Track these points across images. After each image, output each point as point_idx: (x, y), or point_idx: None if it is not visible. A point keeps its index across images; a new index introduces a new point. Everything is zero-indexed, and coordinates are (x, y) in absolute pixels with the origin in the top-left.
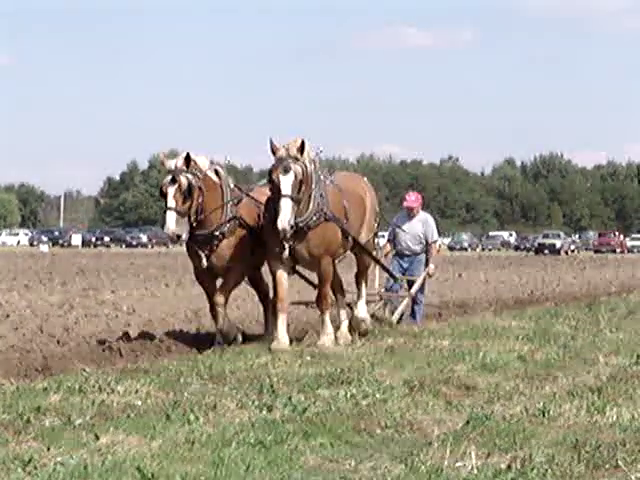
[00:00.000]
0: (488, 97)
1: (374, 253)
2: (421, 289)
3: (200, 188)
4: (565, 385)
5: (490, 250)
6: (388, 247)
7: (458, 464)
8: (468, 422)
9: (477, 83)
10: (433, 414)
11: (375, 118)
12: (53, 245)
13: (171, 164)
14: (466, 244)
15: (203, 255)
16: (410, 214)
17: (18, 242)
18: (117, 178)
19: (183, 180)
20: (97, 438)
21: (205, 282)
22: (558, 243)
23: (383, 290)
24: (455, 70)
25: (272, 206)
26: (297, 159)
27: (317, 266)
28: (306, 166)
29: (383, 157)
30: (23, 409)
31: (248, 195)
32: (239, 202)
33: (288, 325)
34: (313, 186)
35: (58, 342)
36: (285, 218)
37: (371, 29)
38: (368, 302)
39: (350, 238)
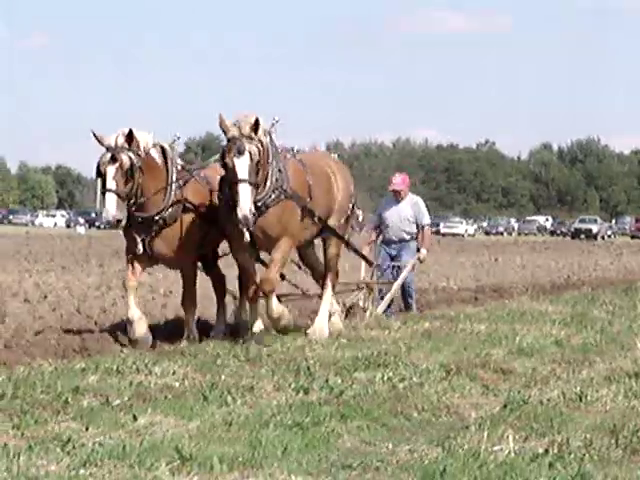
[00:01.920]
0: (525, 81)
1: (348, 238)
2: (411, 275)
3: (141, 168)
4: (602, 370)
5: (526, 235)
6: (373, 235)
7: (495, 448)
8: (505, 406)
9: (514, 67)
10: (470, 398)
11: (411, 102)
12: (90, 227)
13: (111, 141)
14: (502, 228)
15: (139, 240)
16: (397, 197)
17: (55, 224)
18: None
19: (124, 159)
20: (135, 419)
21: (134, 260)
22: (595, 228)
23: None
24: (491, 54)
25: (227, 189)
26: (251, 138)
27: (274, 247)
28: (262, 144)
29: (419, 141)
30: (61, 389)
31: (192, 175)
32: (185, 183)
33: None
34: (270, 160)
35: (95, 323)
36: (245, 206)
37: (407, 13)
38: (343, 292)
39: (317, 219)
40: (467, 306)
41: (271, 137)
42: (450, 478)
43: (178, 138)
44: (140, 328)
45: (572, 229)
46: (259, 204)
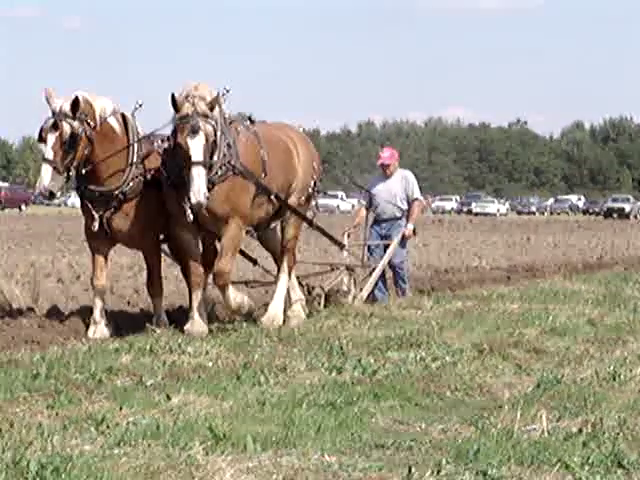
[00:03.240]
0: (557, 60)
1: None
2: (398, 254)
3: (89, 138)
4: (636, 349)
5: (559, 214)
6: (362, 213)
7: (529, 427)
8: (538, 385)
9: (546, 46)
10: (503, 377)
11: (443, 81)
12: None
13: (56, 106)
14: (534, 208)
15: (97, 216)
16: (386, 173)
17: None
18: None
19: (66, 128)
20: (168, 398)
21: (95, 245)
22: (627, 207)
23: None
24: (524, 33)
25: (173, 165)
26: (207, 116)
27: (223, 229)
28: (217, 123)
29: (451, 120)
30: (95, 369)
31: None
32: (148, 155)
33: (209, 304)
34: (218, 134)
35: (128, 303)
36: (199, 190)
37: None
38: (318, 274)
39: (273, 197)
40: (499, 286)
41: (220, 108)
42: (483, 457)
43: (140, 105)
44: (100, 332)
45: (604, 208)
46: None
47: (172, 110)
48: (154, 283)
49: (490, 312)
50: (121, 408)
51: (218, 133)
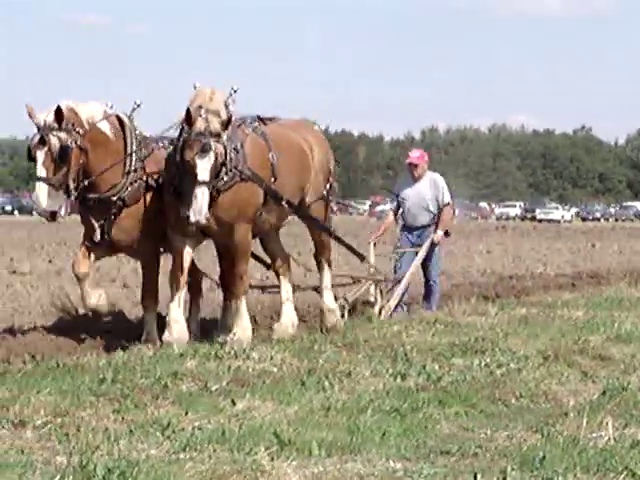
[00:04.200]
0: (622, 66)
1: (327, 224)
2: (433, 264)
3: (81, 147)
4: None
5: (623, 220)
6: (390, 218)
7: (595, 435)
8: (604, 393)
9: (611, 51)
10: (568, 384)
11: (507, 87)
12: None
13: (40, 119)
14: (598, 214)
15: (97, 226)
16: (414, 175)
17: None
18: None
19: (53, 141)
20: (234, 403)
21: (95, 251)
22: None
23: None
24: (589, 38)
25: (175, 172)
26: (219, 136)
27: (230, 237)
28: (229, 145)
29: (515, 127)
30: (161, 374)
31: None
32: (147, 157)
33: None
34: (225, 138)
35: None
36: (201, 211)
37: None
38: (338, 285)
39: (284, 203)
40: (564, 292)
41: (228, 109)
42: (549, 465)
43: (138, 106)
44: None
45: None
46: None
47: (185, 124)
48: (148, 295)
49: (555, 319)
50: (187, 413)
51: (224, 136)
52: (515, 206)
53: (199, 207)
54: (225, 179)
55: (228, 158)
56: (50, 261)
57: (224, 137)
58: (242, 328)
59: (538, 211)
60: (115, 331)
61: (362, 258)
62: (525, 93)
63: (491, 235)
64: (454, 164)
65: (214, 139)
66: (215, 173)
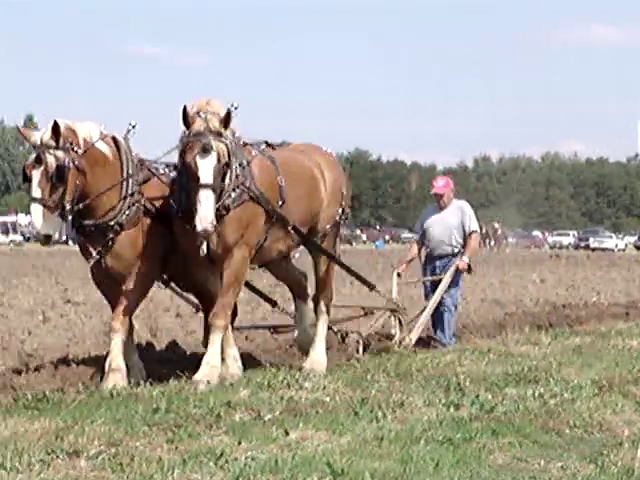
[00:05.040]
0: None
1: (336, 253)
2: (453, 294)
3: (78, 167)
4: None
5: None
6: (415, 249)
7: None
8: None
9: None
10: (623, 414)
11: (560, 116)
12: None
13: (36, 138)
14: None
15: (94, 252)
16: (440, 204)
17: None
18: None
19: (50, 160)
20: (287, 433)
21: (104, 287)
22: None
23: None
24: None
25: (182, 192)
26: (220, 135)
27: (226, 260)
28: (231, 143)
29: (568, 155)
30: (214, 404)
31: (152, 172)
32: (146, 181)
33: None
34: (231, 153)
35: (246, 338)
36: (207, 216)
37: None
38: (351, 319)
39: (291, 229)
40: (618, 321)
41: (230, 127)
42: None
43: (133, 127)
44: (114, 381)
45: None
46: (216, 205)
47: (182, 126)
48: (121, 318)
49: (609, 348)
50: (240, 443)
51: (231, 155)
52: (568, 235)
53: (204, 212)
54: (233, 196)
55: (234, 173)
56: None
57: (226, 136)
58: (211, 367)
59: (592, 240)
60: (168, 360)
61: (372, 287)
62: (578, 121)
63: (544, 264)
64: (507, 193)
65: (215, 138)
66: (220, 176)
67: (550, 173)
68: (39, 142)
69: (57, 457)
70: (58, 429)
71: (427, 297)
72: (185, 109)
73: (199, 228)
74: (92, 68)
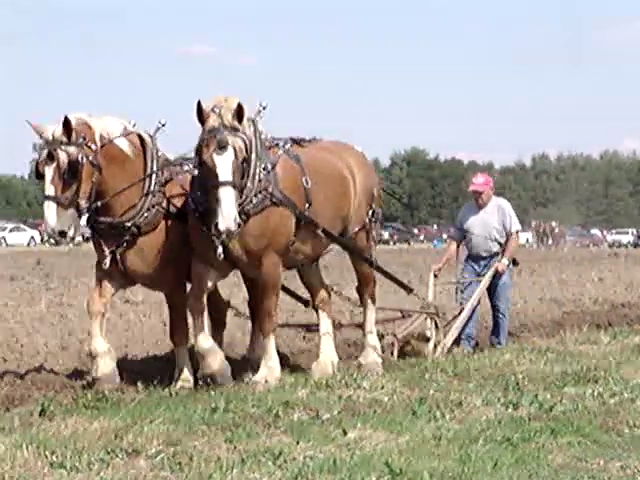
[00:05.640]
0: None
1: (368, 253)
2: (499, 294)
3: (93, 163)
4: None
5: None
6: (453, 248)
7: None
8: None
9: None
10: None
11: (619, 114)
12: None
13: (48, 134)
14: None
15: (108, 252)
16: (479, 202)
17: None
18: None
19: (62, 156)
20: (345, 433)
21: (105, 282)
22: None
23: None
24: None
25: (199, 191)
26: (236, 129)
27: (258, 269)
28: (249, 140)
29: (627, 153)
30: (272, 403)
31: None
32: (168, 181)
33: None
34: (253, 157)
35: (304, 338)
36: (229, 215)
37: (612, 25)
38: (387, 321)
39: (321, 232)
40: None
41: (256, 127)
42: None
43: (163, 125)
44: (104, 365)
45: None
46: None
47: (198, 123)
48: (177, 329)
49: None
50: (298, 442)
51: (253, 155)
52: (627, 233)
53: (226, 211)
54: (254, 201)
55: (257, 177)
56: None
57: (243, 131)
58: (269, 368)
59: None
60: (228, 360)
61: (409, 290)
62: (637, 119)
63: (603, 262)
64: (565, 191)
65: (231, 133)
66: (239, 173)
67: (609, 171)
68: (51, 138)
69: (116, 456)
70: (117, 428)
71: (462, 299)
72: (200, 104)
73: (222, 227)
74: (143, 68)
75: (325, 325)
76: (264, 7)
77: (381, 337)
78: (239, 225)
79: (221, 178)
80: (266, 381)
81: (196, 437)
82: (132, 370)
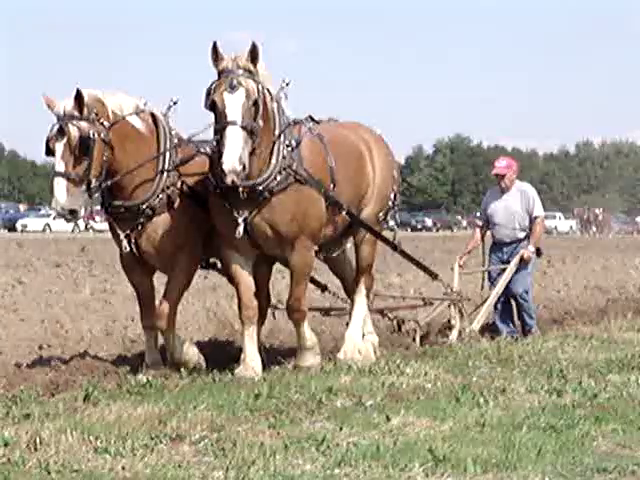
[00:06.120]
0: None
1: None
2: (518, 278)
3: (105, 140)
4: None
5: None
6: (478, 235)
7: None
8: None
9: None
10: None
11: None
12: None
13: (59, 109)
14: None
15: (123, 236)
16: (502, 186)
17: None
18: (402, 162)
19: (73, 131)
20: (388, 419)
21: (130, 272)
22: None
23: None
24: None
25: (218, 166)
26: (249, 71)
27: (289, 253)
28: (263, 86)
29: None
30: (315, 390)
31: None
32: (186, 161)
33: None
34: (276, 132)
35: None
36: (233, 154)
37: None
38: (407, 307)
39: (343, 211)
40: None
41: (279, 103)
42: None
43: (175, 103)
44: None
45: None
46: (260, 187)
47: (211, 64)
48: (166, 314)
49: None
50: (341, 428)
51: (276, 130)
52: None
53: (231, 150)
54: (278, 178)
55: (281, 154)
56: (206, 277)
57: (256, 73)
58: (306, 350)
59: None
60: (270, 347)
61: (434, 276)
62: None
63: None
64: (609, 178)
65: (243, 74)
66: (251, 115)
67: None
68: (62, 112)
69: (160, 442)
70: (161, 414)
71: (492, 285)
72: (215, 45)
73: (225, 167)
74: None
75: (357, 311)
76: None
77: (402, 322)
78: (244, 167)
79: (229, 117)
80: (308, 368)
81: (239, 423)
82: None
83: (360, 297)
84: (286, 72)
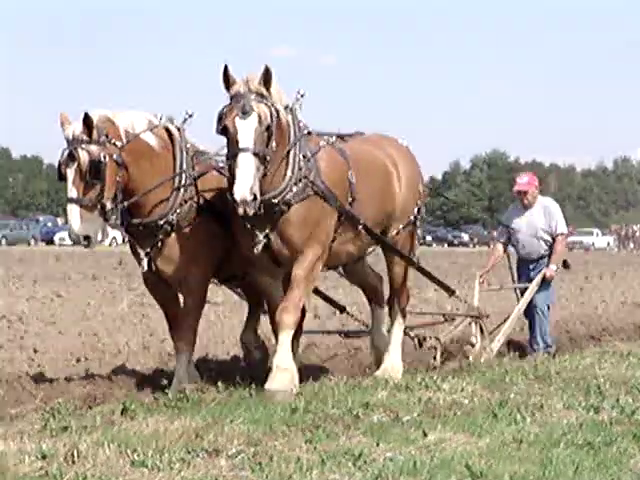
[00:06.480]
0: None
1: (412, 254)
2: (546, 298)
3: (118, 162)
4: None
5: None
6: (499, 251)
7: None
8: None
9: None
10: None
11: None
12: None
13: (68, 133)
14: None
15: (143, 254)
16: (524, 202)
17: None
18: (439, 177)
19: (83, 156)
20: (425, 435)
21: (155, 291)
22: None
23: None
24: None
25: (230, 186)
26: (262, 95)
27: (295, 260)
28: (276, 109)
29: None
30: (352, 404)
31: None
32: (201, 175)
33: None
34: (292, 141)
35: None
36: (245, 184)
37: None
38: (429, 324)
39: (361, 228)
40: None
41: (294, 115)
42: None
43: (190, 116)
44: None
45: None
46: (275, 200)
47: (223, 88)
48: (184, 333)
49: None
50: (378, 444)
51: (291, 140)
52: None
53: (242, 178)
54: (295, 190)
55: (297, 165)
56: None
57: (269, 98)
58: (282, 367)
59: None
60: (305, 361)
61: (451, 293)
62: None
63: None
64: None
65: (255, 98)
66: (263, 141)
67: None
68: (71, 137)
69: (197, 456)
70: (198, 428)
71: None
72: (226, 68)
73: (236, 196)
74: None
75: (395, 331)
76: (344, 6)
77: (423, 340)
78: (255, 197)
79: (241, 144)
80: (273, 394)
81: (276, 437)
82: (213, 370)
83: (397, 318)
84: (326, 86)
